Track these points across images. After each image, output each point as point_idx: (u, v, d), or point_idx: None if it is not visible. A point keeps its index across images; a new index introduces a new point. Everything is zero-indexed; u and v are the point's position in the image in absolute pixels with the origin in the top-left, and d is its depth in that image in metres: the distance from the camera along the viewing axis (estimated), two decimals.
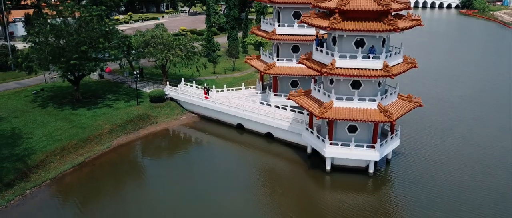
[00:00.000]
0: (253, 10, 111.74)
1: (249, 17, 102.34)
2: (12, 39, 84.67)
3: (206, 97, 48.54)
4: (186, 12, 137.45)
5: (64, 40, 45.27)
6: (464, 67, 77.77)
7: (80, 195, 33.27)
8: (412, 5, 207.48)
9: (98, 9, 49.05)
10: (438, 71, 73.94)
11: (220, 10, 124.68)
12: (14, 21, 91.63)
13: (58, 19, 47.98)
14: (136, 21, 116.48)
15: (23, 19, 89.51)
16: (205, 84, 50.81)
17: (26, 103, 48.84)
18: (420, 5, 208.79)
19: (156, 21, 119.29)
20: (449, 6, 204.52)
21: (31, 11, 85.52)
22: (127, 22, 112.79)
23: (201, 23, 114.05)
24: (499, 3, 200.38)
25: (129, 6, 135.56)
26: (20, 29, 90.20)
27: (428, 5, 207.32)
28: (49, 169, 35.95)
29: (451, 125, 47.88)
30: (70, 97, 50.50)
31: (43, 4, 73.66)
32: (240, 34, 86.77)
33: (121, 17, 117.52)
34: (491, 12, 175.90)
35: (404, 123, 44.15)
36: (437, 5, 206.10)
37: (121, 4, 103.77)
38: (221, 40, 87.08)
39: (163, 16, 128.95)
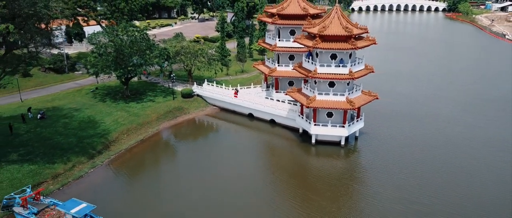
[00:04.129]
0: (256, 15, 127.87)
1: (253, 22, 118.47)
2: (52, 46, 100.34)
3: (236, 96, 63.87)
4: (196, 19, 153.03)
5: (120, 51, 61.14)
6: (431, 68, 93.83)
7: (145, 159, 49.62)
8: (402, 9, 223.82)
9: (143, 28, 65.16)
10: (409, 71, 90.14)
11: (226, 16, 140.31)
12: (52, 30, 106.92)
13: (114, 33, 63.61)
14: (154, 28, 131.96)
15: (59, 27, 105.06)
16: (238, 86, 66.28)
17: (89, 98, 64.90)
18: (410, 8, 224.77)
19: (171, 28, 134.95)
20: (436, 9, 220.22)
21: (71, 23, 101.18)
22: (146, 29, 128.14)
23: (210, 29, 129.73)
24: (482, 6, 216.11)
25: (144, 12, 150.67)
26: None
27: (417, 8, 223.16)
28: (122, 143, 52.24)
29: (408, 115, 63.81)
30: (120, 94, 66.53)
31: (88, 14, 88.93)
32: (246, 40, 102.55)
33: (137, 23, 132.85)
34: (473, 16, 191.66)
35: (372, 113, 60.31)
36: (425, 8, 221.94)
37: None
38: (230, 45, 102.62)
39: (176, 23, 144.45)
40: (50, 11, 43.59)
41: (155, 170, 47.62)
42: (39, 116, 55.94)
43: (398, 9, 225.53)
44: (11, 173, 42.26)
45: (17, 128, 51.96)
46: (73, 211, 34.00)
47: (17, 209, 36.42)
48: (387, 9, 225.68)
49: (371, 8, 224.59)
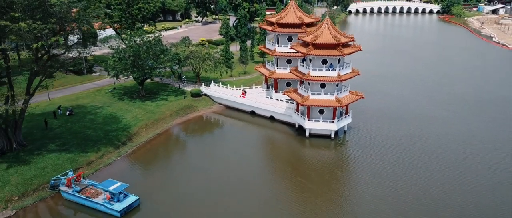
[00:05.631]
0: (257, 19, 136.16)
1: (254, 25, 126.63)
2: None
3: (244, 97, 71.63)
4: (199, 22, 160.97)
5: (138, 56, 69.06)
6: (420, 70, 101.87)
7: (162, 150, 57.73)
8: (397, 11, 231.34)
9: (158, 36, 73.32)
10: (399, 73, 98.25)
11: (228, 19, 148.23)
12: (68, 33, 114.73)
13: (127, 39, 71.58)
14: (160, 31, 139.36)
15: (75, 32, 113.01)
16: (241, 87, 74.20)
17: (108, 98, 72.89)
18: (405, 11, 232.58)
19: (176, 31, 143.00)
20: (430, 11, 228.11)
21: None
22: (153, 33, 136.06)
23: (214, 32, 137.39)
24: (474, 9, 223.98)
25: (155, 18, 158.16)
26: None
27: (412, 11, 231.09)
28: (141, 136, 60.32)
29: (393, 113, 71.77)
30: (136, 93, 74.53)
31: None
32: (248, 43, 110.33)
33: (145, 27, 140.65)
34: (465, 18, 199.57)
35: (361, 111, 68.29)
36: (420, 11, 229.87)
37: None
38: (232, 48, 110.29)
39: (180, 26, 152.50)
40: (90, 25, 51.59)
41: (171, 158, 55.88)
42: (68, 112, 63.99)
43: (393, 12, 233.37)
44: (52, 160, 50.32)
45: (50, 123, 60.01)
46: (111, 188, 42.15)
47: (63, 188, 44.54)
48: (383, 11, 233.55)
49: (368, 11, 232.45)
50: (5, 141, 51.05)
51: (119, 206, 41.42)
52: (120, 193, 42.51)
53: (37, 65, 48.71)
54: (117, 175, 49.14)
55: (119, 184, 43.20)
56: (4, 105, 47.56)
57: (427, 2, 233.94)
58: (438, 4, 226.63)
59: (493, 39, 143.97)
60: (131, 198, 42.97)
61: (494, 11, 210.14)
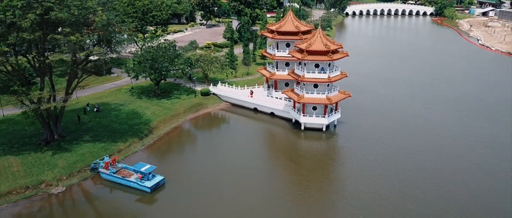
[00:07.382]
0: (260, 22, 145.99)
1: (255, 29, 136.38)
2: None
3: (252, 96, 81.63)
4: (204, 25, 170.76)
5: (156, 60, 79.00)
6: (405, 71, 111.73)
7: (178, 140, 67.78)
8: (392, 13, 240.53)
9: (172, 42, 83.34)
10: (387, 74, 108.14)
11: (231, 22, 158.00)
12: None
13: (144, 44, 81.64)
14: (168, 34, 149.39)
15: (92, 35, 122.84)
16: (245, 87, 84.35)
17: (128, 96, 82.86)
18: (400, 13, 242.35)
19: (183, 34, 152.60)
20: (424, 13, 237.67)
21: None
22: (162, 36, 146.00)
23: (218, 35, 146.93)
24: (466, 11, 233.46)
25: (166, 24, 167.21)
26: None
27: (407, 13, 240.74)
28: (160, 129, 70.31)
29: (379, 110, 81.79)
30: (152, 93, 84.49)
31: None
32: (250, 45, 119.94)
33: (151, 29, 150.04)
34: (457, 20, 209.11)
35: (349, 108, 78.25)
36: (414, 13, 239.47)
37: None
38: (236, 50, 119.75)
39: (186, 29, 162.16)
40: (119, 33, 61.71)
41: (186, 147, 65.95)
42: (95, 109, 73.97)
43: (389, 14, 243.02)
44: (89, 148, 60.33)
45: (82, 118, 69.99)
46: (142, 169, 52.19)
47: (101, 170, 54.57)
48: (378, 13, 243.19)
49: (364, 13, 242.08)
50: (48, 133, 61.08)
51: (149, 184, 51.46)
52: (149, 173, 52.49)
53: (79, 69, 58.77)
54: (143, 161, 59.03)
55: (148, 166, 53.24)
56: (49, 103, 57.40)
57: (421, 5, 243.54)
58: (432, 7, 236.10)
59: (479, 41, 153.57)
60: (158, 178, 52.97)
61: (485, 14, 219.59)
